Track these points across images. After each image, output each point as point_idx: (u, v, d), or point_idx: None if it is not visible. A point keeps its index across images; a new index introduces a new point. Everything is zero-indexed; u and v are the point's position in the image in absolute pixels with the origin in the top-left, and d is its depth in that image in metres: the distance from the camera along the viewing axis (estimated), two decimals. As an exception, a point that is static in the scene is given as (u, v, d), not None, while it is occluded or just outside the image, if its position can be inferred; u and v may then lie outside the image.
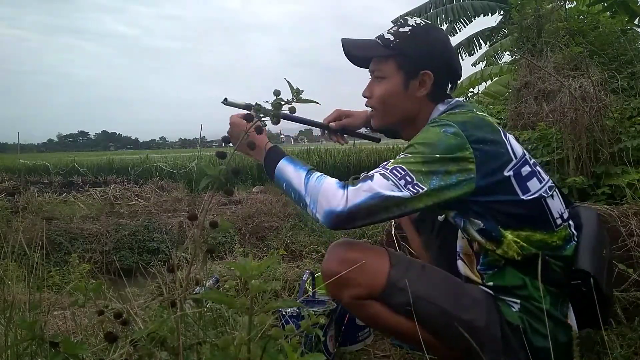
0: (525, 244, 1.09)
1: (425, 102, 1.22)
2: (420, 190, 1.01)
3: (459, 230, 1.20)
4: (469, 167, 1.04)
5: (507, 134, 1.16)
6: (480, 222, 1.10)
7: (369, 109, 1.31)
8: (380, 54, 1.22)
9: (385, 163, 1.06)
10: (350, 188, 1.01)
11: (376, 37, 1.24)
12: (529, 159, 1.15)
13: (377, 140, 1.61)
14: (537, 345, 1.07)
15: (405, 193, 0.99)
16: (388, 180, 1.00)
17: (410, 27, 1.20)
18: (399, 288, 1.06)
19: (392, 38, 1.20)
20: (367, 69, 1.29)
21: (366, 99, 1.29)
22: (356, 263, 1.06)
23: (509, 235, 1.09)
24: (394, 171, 1.02)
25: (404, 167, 1.02)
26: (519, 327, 1.08)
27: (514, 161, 1.10)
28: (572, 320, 1.14)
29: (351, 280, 1.05)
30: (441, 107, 1.21)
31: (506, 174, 1.08)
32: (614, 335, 1.36)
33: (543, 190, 1.12)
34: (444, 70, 1.21)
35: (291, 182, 1.10)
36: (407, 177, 1.01)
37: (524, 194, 1.09)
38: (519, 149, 1.14)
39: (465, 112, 1.15)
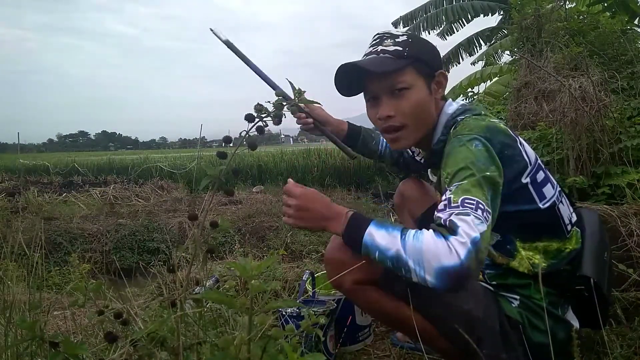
0: (537, 260, 1.09)
1: (440, 104, 1.21)
2: (489, 215, 0.94)
3: None
4: (501, 181, 1.02)
5: (519, 138, 1.14)
6: (497, 235, 1.10)
7: (391, 132, 1.19)
8: (398, 65, 1.13)
9: (446, 202, 0.96)
10: (452, 239, 0.88)
11: (380, 54, 1.16)
12: (541, 164, 1.14)
13: (353, 157, 1.54)
14: (536, 341, 1.08)
15: (485, 222, 0.92)
16: (469, 216, 0.91)
17: (406, 36, 1.19)
18: (397, 273, 1.06)
19: (400, 48, 1.14)
20: (349, 96, 1.25)
21: (383, 121, 1.18)
22: None
23: (522, 251, 1.10)
24: (465, 204, 0.93)
25: (469, 196, 0.94)
26: (518, 322, 1.09)
27: (530, 167, 1.09)
28: (571, 319, 1.15)
29: (351, 264, 1.04)
30: (448, 109, 1.19)
31: (524, 181, 1.07)
32: (614, 335, 1.36)
33: (555, 196, 1.12)
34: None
35: (385, 248, 0.95)
36: (480, 205, 0.93)
37: (540, 201, 1.09)
38: (532, 154, 1.13)
39: (478, 118, 1.12)
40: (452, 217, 0.91)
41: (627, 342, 1.34)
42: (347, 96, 1.25)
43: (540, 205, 1.09)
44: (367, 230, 0.98)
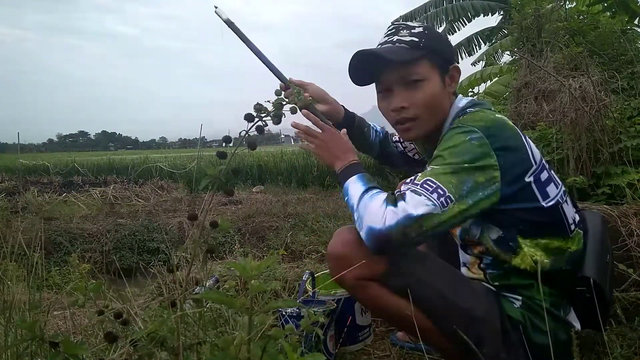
0: (538, 257, 1.09)
1: (452, 98, 1.21)
2: (451, 202, 0.97)
3: (457, 236, 1.20)
4: (495, 175, 1.02)
5: (526, 137, 1.14)
6: (500, 230, 1.10)
7: (404, 123, 1.19)
8: (414, 56, 1.14)
9: (413, 177, 1.03)
10: (389, 208, 0.97)
11: (396, 44, 1.16)
12: (545, 164, 1.14)
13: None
14: (537, 342, 1.07)
15: (437, 208, 0.96)
16: (420, 196, 0.97)
17: (423, 27, 1.18)
18: (399, 270, 1.07)
19: (416, 39, 1.15)
20: (361, 86, 1.26)
21: (396, 113, 1.19)
22: (359, 244, 1.06)
23: (525, 247, 1.09)
24: (424, 185, 0.99)
25: (433, 179, 0.99)
26: (519, 323, 1.09)
27: (534, 167, 1.09)
28: (573, 320, 1.15)
29: (354, 260, 1.05)
30: (459, 103, 1.19)
31: (527, 180, 1.07)
32: (614, 335, 1.36)
33: (559, 196, 1.12)
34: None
35: (351, 195, 1.09)
36: (439, 190, 0.97)
37: (544, 200, 1.09)
38: (537, 153, 1.13)
39: (486, 113, 1.12)
40: (406, 192, 0.99)
41: (627, 342, 1.34)
42: (359, 85, 1.26)
43: (544, 204, 1.09)
44: (350, 178, 1.13)
